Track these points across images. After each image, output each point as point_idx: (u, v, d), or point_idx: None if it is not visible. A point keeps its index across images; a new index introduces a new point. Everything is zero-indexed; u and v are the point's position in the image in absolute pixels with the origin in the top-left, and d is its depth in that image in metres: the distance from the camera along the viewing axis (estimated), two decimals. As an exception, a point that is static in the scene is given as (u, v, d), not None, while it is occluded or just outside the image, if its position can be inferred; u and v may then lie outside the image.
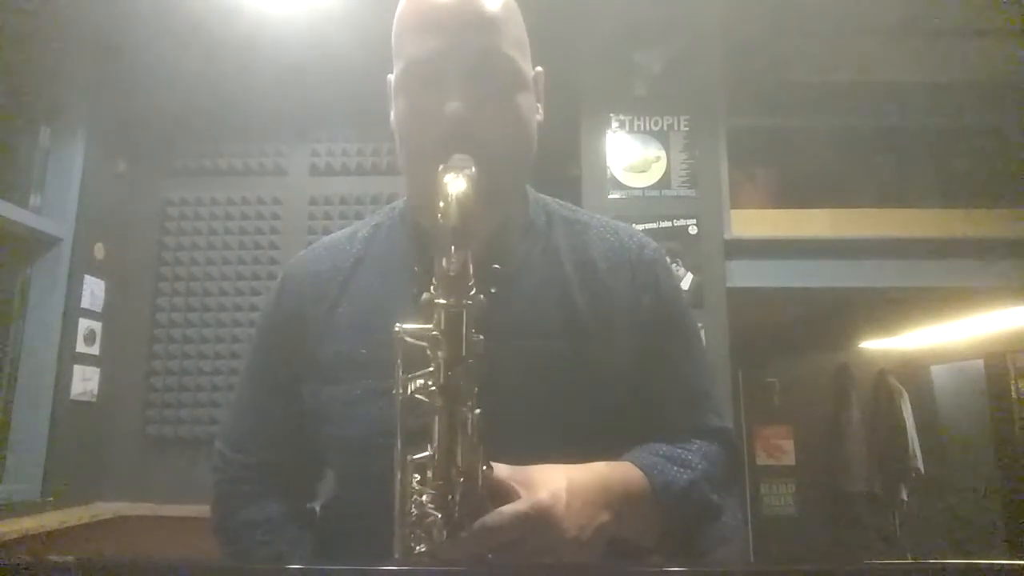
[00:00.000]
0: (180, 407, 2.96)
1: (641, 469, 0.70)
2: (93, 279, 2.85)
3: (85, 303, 2.80)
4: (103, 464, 2.87)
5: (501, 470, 0.61)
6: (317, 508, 0.87)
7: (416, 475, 0.60)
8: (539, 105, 0.79)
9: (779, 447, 4.75)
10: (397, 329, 0.60)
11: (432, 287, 0.58)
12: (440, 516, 0.57)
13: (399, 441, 0.61)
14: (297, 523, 0.82)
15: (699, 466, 0.74)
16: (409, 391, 0.59)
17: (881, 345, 4.88)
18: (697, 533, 0.73)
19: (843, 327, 4.44)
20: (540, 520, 0.58)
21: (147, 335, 3.02)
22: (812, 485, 4.69)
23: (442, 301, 0.57)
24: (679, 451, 0.76)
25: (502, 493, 0.60)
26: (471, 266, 0.57)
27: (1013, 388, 4.31)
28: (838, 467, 4.64)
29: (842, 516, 4.65)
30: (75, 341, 2.74)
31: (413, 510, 0.59)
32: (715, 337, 2.61)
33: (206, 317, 3.03)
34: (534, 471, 0.62)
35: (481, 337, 0.58)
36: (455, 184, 0.58)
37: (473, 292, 0.57)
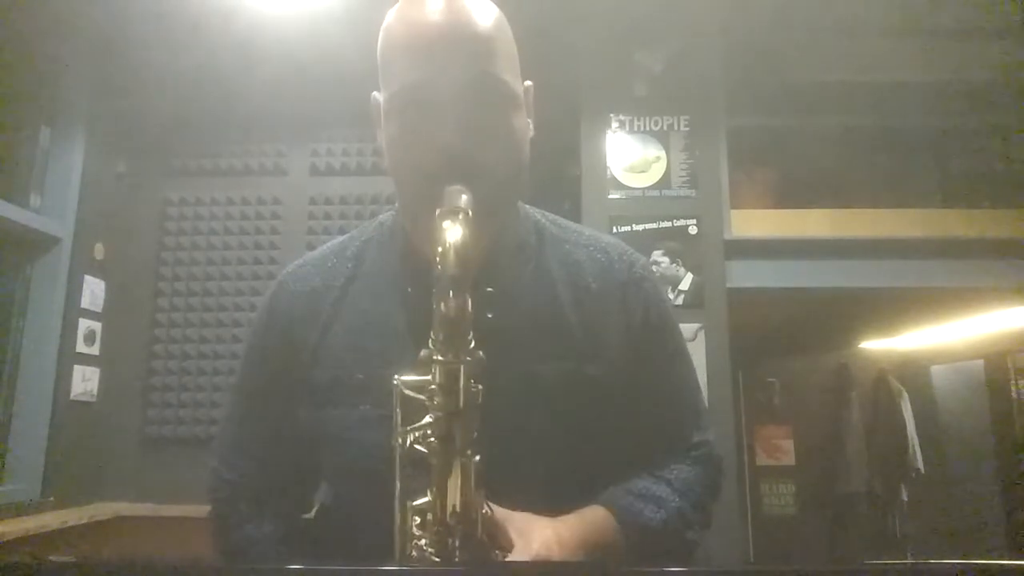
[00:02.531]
0: (180, 407, 2.96)
1: (614, 514, 0.72)
2: (93, 279, 2.85)
3: (85, 303, 2.80)
4: (103, 464, 2.87)
5: (497, 513, 0.63)
6: (312, 515, 0.87)
7: (416, 518, 0.60)
8: (530, 121, 0.78)
9: (779, 447, 4.75)
10: (396, 382, 0.61)
11: (430, 341, 0.58)
12: (439, 560, 0.58)
13: (398, 487, 0.61)
14: (294, 538, 0.82)
15: (673, 503, 0.76)
16: (408, 442, 0.60)
17: (881, 345, 4.88)
18: (668, 561, 0.76)
19: (843, 327, 4.43)
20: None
21: (147, 335, 3.02)
22: (812, 485, 4.68)
23: (440, 358, 0.57)
24: (655, 486, 0.77)
25: (497, 537, 0.62)
26: (469, 313, 0.57)
27: (1013, 388, 4.31)
28: (838, 467, 4.64)
29: (842, 516, 4.65)
30: (75, 341, 2.74)
31: (413, 553, 0.60)
32: (715, 337, 2.61)
33: (206, 317, 3.03)
34: (526, 519, 0.65)
35: (479, 387, 0.58)
36: (452, 232, 0.58)
37: (472, 346, 0.58)
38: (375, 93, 0.76)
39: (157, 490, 2.81)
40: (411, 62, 0.69)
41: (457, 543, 0.58)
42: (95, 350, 2.86)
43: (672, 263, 2.67)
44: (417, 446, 0.59)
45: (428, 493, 0.59)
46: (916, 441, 4.53)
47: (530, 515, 0.65)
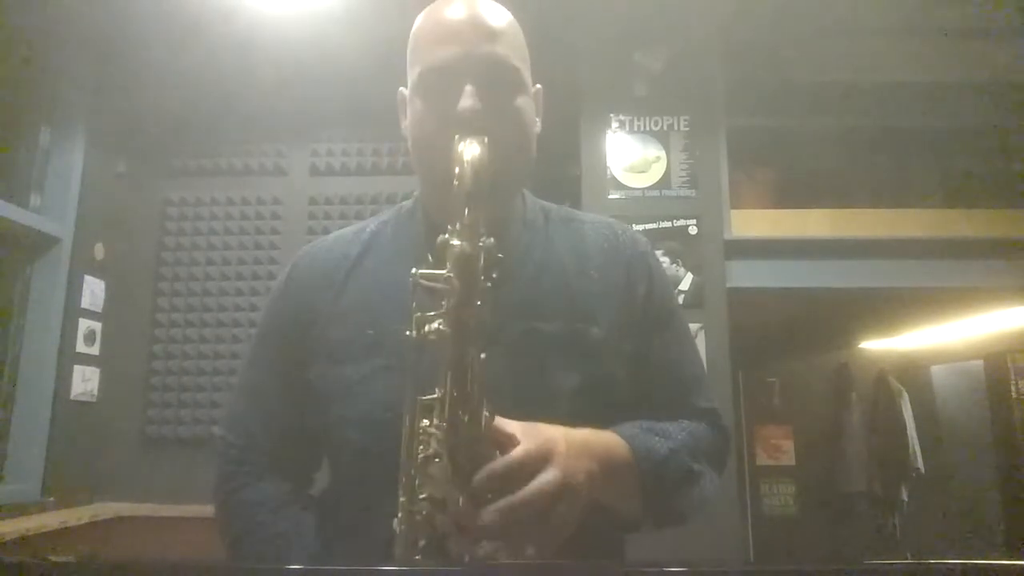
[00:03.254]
0: (180, 407, 2.96)
1: (623, 438, 0.75)
2: (93, 279, 2.85)
3: (85, 303, 2.80)
4: (103, 464, 2.87)
5: (506, 424, 0.64)
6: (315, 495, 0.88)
7: (424, 420, 0.62)
8: (537, 119, 0.84)
9: (779, 447, 4.75)
10: (413, 272, 0.63)
11: (447, 233, 0.61)
12: (446, 455, 0.60)
13: (409, 381, 0.64)
14: (299, 503, 0.83)
15: (679, 436, 0.79)
16: (422, 331, 0.62)
17: (881, 345, 4.88)
18: (677, 498, 0.77)
19: (843, 327, 4.44)
20: (543, 455, 0.62)
21: (147, 335, 3.02)
22: (812, 485, 4.68)
23: (456, 243, 0.60)
24: (662, 424, 0.80)
25: (507, 446, 0.63)
26: (481, 223, 0.61)
27: (1013, 388, 4.31)
28: (838, 467, 4.64)
29: (842, 516, 4.65)
30: (75, 341, 2.74)
31: (420, 450, 0.62)
32: (715, 337, 2.61)
33: (206, 317, 3.03)
34: (533, 424, 0.66)
35: (489, 284, 0.61)
36: (470, 150, 0.64)
37: (484, 239, 0.61)
38: (401, 88, 0.84)
39: (157, 490, 2.81)
40: (435, 46, 0.78)
41: (462, 437, 0.59)
42: (95, 350, 2.86)
43: (672, 263, 2.67)
44: (430, 336, 0.61)
45: (436, 390, 0.61)
46: (916, 441, 4.53)
47: (540, 423, 0.67)
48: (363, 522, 0.73)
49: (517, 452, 0.61)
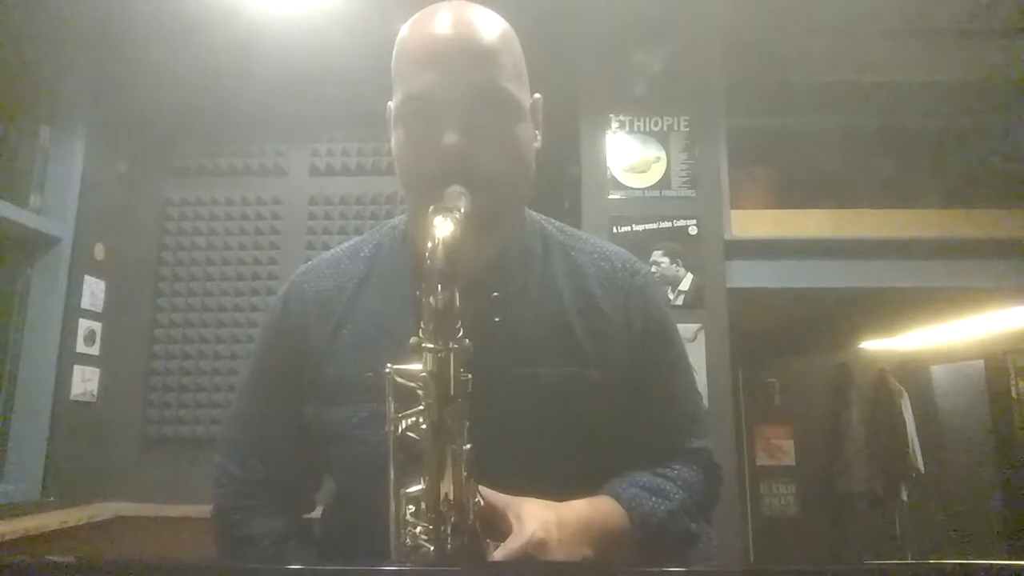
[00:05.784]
0: (180, 407, 2.96)
1: (621, 503, 0.73)
2: (93, 279, 2.85)
3: (85, 303, 2.79)
4: (103, 464, 2.87)
5: (495, 498, 0.63)
6: (317, 516, 0.88)
7: (411, 507, 0.61)
8: (537, 132, 0.80)
9: (779, 447, 4.75)
10: (388, 370, 0.62)
11: (420, 329, 0.59)
12: (432, 548, 0.59)
13: (392, 475, 0.62)
14: (299, 536, 0.82)
15: (677, 496, 0.77)
16: (400, 429, 0.61)
17: (881, 345, 4.88)
18: (674, 559, 0.76)
19: (843, 327, 4.43)
20: (534, 553, 0.60)
21: (147, 335, 3.02)
22: (812, 485, 4.69)
23: (430, 345, 0.58)
24: (659, 480, 0.78)
25: (495, 522, 0.62)
26: (457, 305, 0.58)
27: (1013, 388, 4.31)
28: (838, 467, 4.64)
29: (842, 516, 4.65)
30: (75, 341, 2.74)
31: (407, 541, 0.61)
32: (715, 337, 2.61)
33: (206, 317, 3.03)
34: (525, 503, 0.65)
35: (469, 376, 0.59)
36: (443, 227, 0.59)
37: (460, 335, 0.58)
38: (390, 103, 0.78)
39: (157, 490, 2.81)
40: (418, 70, 0.72)
41: (448, 531, 0.58)
42: (95, 350, 2.86)
43: (672, 263, 2.67)
44: (409, 433, 0.60)
45: (421, 481, 0.60)
46: (916, 441, 4.53)
47: (532, 499, 0.65)
48: (364, 553, 0.73)
49: (499, 555, 0.60)
